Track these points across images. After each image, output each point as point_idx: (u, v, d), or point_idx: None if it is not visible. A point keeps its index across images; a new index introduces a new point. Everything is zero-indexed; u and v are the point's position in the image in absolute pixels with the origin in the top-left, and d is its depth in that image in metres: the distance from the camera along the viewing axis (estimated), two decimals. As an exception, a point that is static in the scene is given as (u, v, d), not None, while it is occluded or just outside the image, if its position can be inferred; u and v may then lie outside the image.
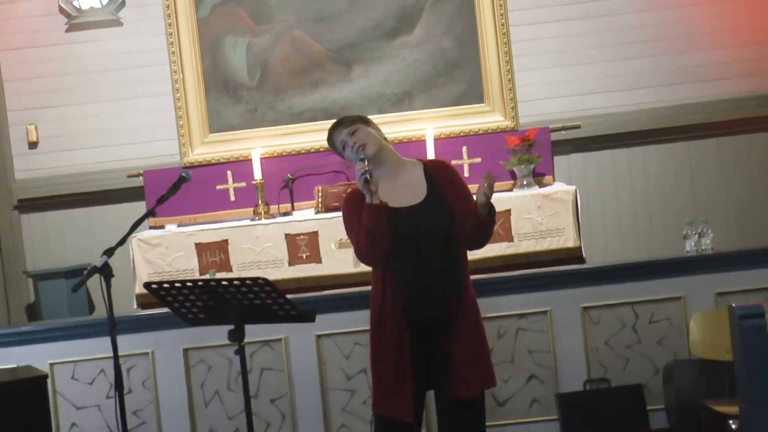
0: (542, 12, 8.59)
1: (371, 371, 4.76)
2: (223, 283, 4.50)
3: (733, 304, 4.49)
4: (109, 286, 4.65)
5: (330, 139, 4.80)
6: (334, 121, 4.85)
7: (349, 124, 4.74)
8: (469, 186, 4.77)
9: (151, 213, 5.02)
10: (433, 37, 8.56)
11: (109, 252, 4.71)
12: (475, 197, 4.63)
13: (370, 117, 4.93)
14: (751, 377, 4.35)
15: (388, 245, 4.54)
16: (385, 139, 4.78)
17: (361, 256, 4.65)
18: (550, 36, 8.57)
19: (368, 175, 4.51)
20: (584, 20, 8.56)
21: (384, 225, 4.53)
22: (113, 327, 4.68)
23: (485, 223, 4.59)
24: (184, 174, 5.04)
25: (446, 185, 4.67)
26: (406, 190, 4.66)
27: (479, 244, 4.71)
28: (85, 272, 4.77)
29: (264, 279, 4.46)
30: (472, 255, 4.85)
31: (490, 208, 4.57)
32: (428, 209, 4.62)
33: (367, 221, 4.54)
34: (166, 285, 4.58)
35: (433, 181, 4.67)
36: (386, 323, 4.65)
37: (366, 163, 4.56)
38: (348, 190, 4.91)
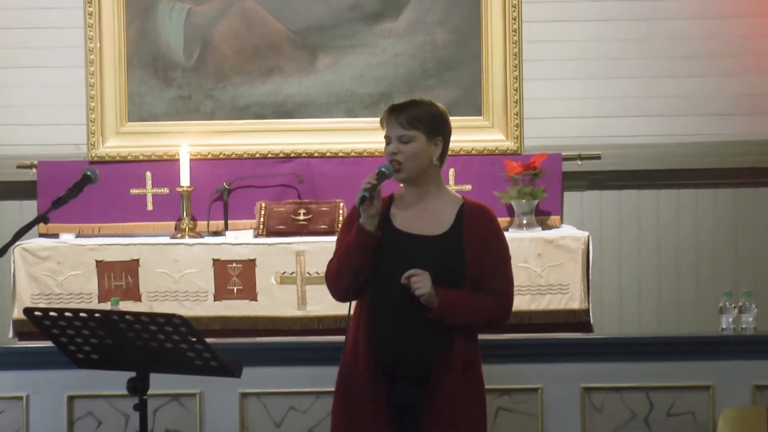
0: (565, 7, 8.61)
1: None
2: (128, 317, 4.47)
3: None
4: (-19, 308, 4.62)
5: (388, 115, 4.86)
6: (411, 100, 4.92)
7: (412, 126, 4.79)
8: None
9: (42, 219, 4.98)
10: (425, 27, 8.57)
11: (-15, 265, 4.68)
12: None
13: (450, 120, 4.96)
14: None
15: (363, 279, 4.72)
16: (441, 161, 4.86)
17: (328, 273, 4.88)
18: (573, 39, 8.60)
19: (367, 194, 4.68)
20: (618, 23, 8.58)
21: (367, 257, 4.72)
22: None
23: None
24: (89, 173, 5.02)
25: (474, 235, 4.80)
26: (426, 217, 4.81)
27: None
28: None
29: (180, 317, 4.43)
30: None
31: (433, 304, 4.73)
32: (441, 245, 4.78)
33: (351, 242, 4.72)
34: (53, 313, 4.56)
35: (462, 222, 4.82)
36: (354, 383, 4.76)
37: (378, 181, 4.72)
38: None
